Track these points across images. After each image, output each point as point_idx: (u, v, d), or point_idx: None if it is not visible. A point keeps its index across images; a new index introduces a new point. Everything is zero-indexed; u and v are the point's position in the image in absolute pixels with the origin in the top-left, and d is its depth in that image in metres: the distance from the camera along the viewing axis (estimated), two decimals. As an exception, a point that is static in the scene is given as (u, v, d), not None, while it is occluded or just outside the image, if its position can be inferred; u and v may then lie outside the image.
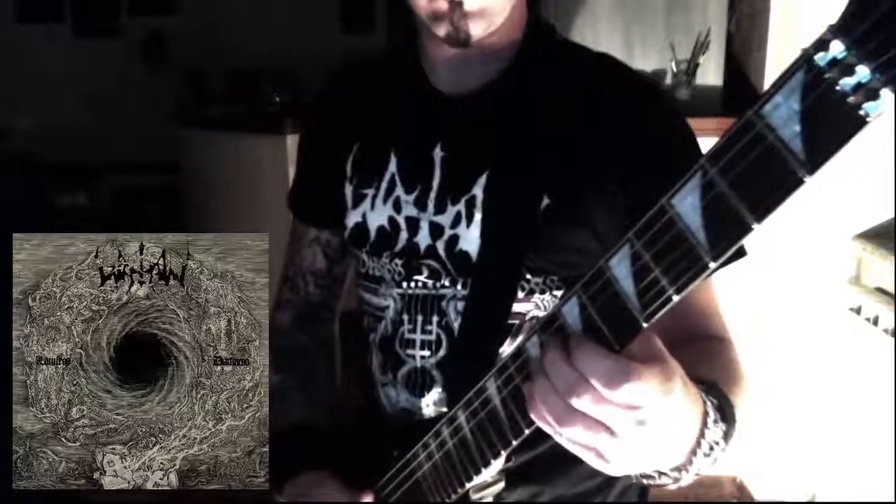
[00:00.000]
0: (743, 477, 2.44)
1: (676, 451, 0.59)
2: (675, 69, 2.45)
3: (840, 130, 0.41)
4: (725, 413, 0.62)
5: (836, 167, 0.43)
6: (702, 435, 0.59)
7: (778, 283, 2.23)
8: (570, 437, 0.54)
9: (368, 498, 0.85)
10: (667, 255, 0.48)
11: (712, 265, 0.47)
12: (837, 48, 0.40)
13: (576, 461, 0.89)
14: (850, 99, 0.40)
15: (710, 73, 2.47)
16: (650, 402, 0.52)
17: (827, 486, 2.12)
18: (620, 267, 0.51)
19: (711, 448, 0.60)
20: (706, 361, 0.74)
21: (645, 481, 0.64)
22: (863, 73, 0.39)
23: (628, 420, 0.52)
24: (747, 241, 0.48)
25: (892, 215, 1.88)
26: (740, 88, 2.51)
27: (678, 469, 0.60)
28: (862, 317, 1.91)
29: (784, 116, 0.43)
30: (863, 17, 0.39)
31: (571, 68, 0.90)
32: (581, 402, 0.52)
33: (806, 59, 0.42)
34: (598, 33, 2.50)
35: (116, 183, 5.01)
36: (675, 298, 0.49)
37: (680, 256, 0.48)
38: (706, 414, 0.59)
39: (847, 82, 0.40)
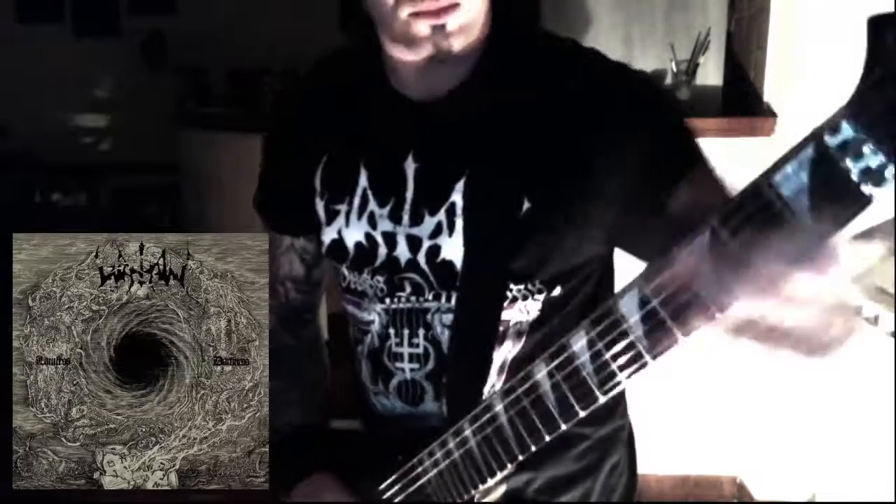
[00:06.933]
0: (743, 477, 2.44)
1: None
2: (675, 69, 2.45)
3: (846, 209, 0.44)
4: None
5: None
6: None
7: (778, 283, 2.22)
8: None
9: None
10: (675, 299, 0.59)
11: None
12: (847, 132, 0.43)
13: (566, 446, 0.91)
14: (855, 178, 0.43)
15: (710, 73, 2.47)
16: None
17: (827, 486, 2.12)
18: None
19: None
20: None
21: None
22: (871, 157, 0.42)
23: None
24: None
25: (893, 215, 1.88)
26: (740, 88, 2.51)
27: None
28: (862, 317, 1.90)
29: (794, 188, 0.46)
30: (871, 104, 0.41)
31: (544, 63, 0.85)
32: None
33: (816, 139, 0.44)
34: (598, 33, 2.50)
35: (116, 183, 5.00)
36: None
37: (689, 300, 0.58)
38: None
39: (855, 164, 0.43)
